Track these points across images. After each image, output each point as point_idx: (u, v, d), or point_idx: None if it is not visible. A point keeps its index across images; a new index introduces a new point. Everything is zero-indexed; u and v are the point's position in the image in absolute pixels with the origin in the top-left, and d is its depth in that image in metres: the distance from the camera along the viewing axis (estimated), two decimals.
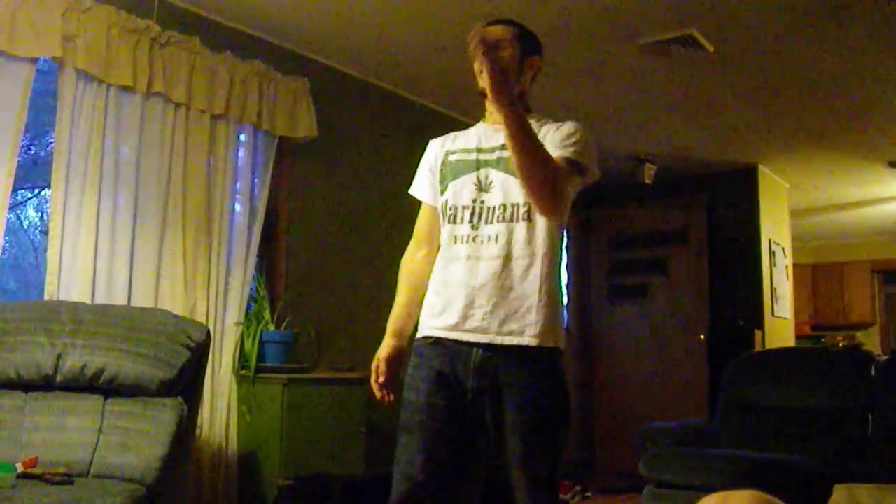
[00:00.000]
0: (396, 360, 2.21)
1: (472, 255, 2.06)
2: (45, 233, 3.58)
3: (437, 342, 2.08)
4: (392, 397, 2.19)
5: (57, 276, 3.41)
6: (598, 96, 5.31)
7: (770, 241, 7.00)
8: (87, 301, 3.43)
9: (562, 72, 4.83)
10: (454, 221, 2.13)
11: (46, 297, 3.37)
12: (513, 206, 2.06)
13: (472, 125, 2.29)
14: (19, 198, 5.30)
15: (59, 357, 2.93)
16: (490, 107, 2.15)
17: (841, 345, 9.10)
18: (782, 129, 5.97)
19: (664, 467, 4.15)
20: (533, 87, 2.27)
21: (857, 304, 10.05)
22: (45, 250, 3.44)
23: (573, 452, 6.89)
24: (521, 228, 2.05)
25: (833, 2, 3.86)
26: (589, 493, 5.37)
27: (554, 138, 2.07)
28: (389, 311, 2.26)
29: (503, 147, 2.08)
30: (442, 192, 2.19)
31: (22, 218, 5.66)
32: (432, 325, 2.11)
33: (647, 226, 7.18)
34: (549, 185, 1.97)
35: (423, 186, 2.29)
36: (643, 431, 4.59)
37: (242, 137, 4.26)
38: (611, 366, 7.23)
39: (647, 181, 6.58)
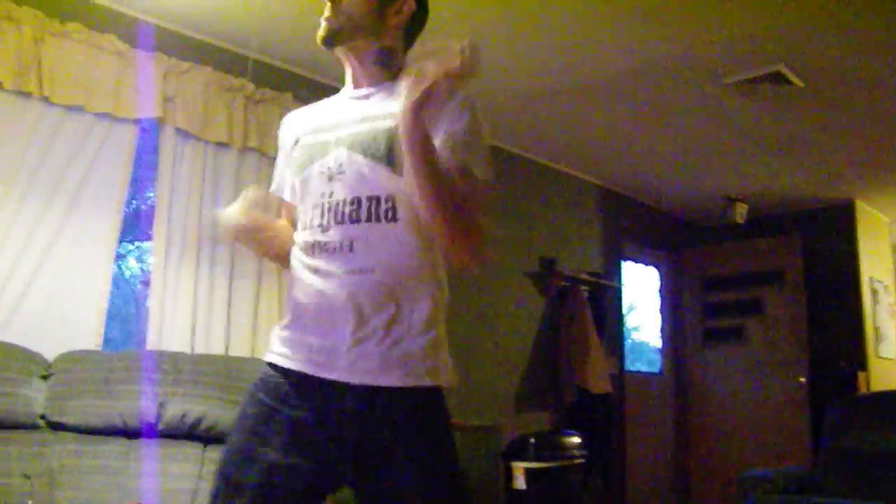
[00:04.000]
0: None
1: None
2: (144, 283, 3.71)
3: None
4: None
5: (159, 327, 3.52)
6: (686, 136, 5.25)
7: (871, 278, 6.74)
8: (187, 350, 3.53)
9: (650, 112, 4.80)
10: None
11: (149, 347, 3.48)
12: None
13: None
14: (121, 250, 5.54)
15: (161, 405, 3.03)
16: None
17: None
18: (879, 162, 5.77)
19: None
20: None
21: None
22: (145, 300, 3.57)
23: (669, 500, 6.70)
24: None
25: None
26: None
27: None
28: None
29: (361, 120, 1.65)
30: None
31: (123, 269, 5.91)
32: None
33: (741, 266, 7.00)
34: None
35: None
36: (742, 479, 4.43)
37: None
38: (706, 411, 7.02)
39: (740, 220, 6.46)
